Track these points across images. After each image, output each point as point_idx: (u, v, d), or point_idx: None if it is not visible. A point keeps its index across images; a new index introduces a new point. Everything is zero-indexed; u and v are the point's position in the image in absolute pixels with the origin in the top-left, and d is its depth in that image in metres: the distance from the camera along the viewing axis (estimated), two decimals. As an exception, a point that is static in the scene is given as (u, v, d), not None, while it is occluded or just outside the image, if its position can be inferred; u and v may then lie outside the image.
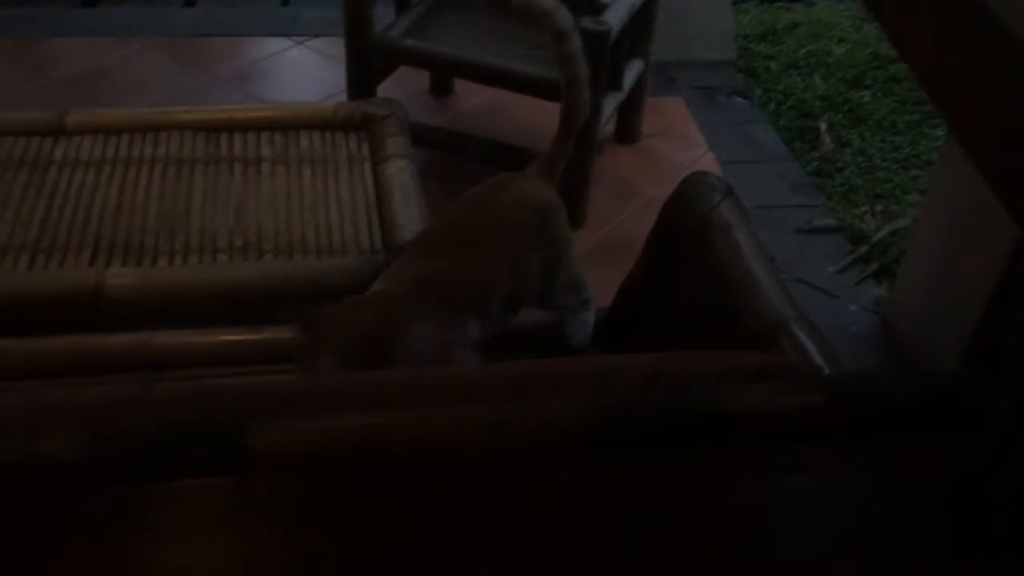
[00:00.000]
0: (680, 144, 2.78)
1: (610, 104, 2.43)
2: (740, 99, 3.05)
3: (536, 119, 2.45)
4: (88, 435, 0.58)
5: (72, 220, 1.65)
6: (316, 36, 3.16)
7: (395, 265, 1.39)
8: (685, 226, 1.34)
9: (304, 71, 3.06)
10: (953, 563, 0.56)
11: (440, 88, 2.90)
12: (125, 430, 0.59)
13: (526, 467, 0.63)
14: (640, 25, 2.52)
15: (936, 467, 0.61)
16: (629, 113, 2.70)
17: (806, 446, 0.63)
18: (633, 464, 0.62)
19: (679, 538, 0.59)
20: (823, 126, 2.93)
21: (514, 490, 0.62)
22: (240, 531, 0.58)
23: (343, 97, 2.45)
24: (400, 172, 1.82)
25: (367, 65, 2.40)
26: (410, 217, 1.69)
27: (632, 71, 2.54)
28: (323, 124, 1.93)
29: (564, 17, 1.46)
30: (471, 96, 2.85)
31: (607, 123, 2.49)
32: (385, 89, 2.45)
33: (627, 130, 2.74)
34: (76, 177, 1.74)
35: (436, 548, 0.58)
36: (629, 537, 0.59)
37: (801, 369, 0.87)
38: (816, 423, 0.64)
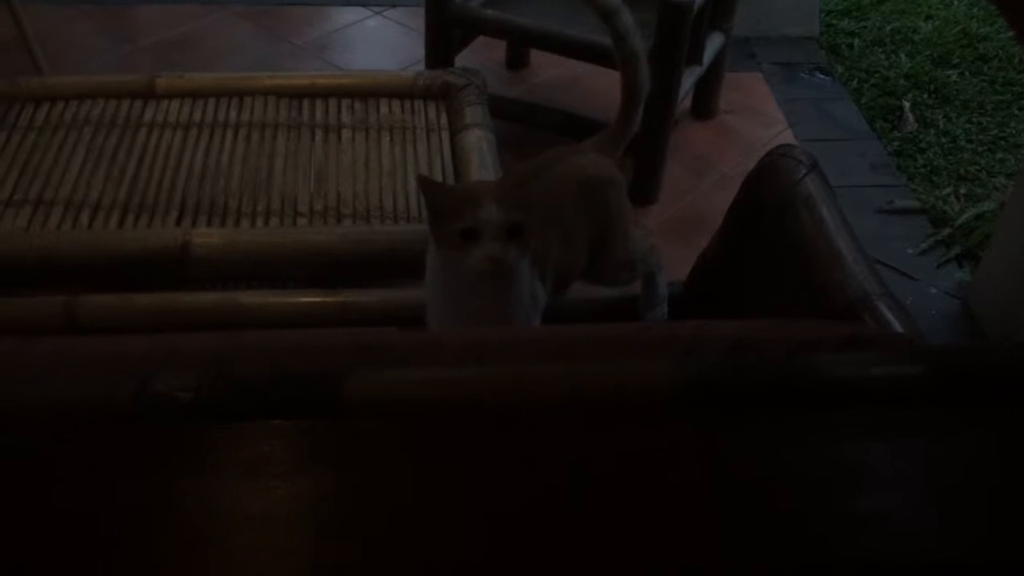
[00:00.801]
0: (758, 120, 2.74)
1: (689, 78, 2.40)
2: (822, 76, 2.99)
3: (612, 91, 2.41)
4: (198, 375, 0.60)
5: (160, 181, 1.69)
6: (393, 6, 3.18)
7: None
8: (768, 199, 1.32)
9: (381, 41, 3.09)
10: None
11: (516, 61, 2.89)
12: (233, 373, 0.61)
13: (614, 427, 0.64)
14: (722, -2, 2.48)
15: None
16: (707, 88, 2.66)
17: (903, 413, 0.62)
18: (722, 428, 0.62)
19: (766, 504, 0.59)
20: (907, 105, 2.86)
21: (601, 450, 0.63)
22: (332, 470, 0.59)
23: (421, 67, 2.47)
24: (478, 141, 1.82)
25: (446, 35, 2.41)
26: (487, 186, 1.70)
27: (712, 45, 2.50)
28: (403, 92, 1.94)
29: None
30: (546, 69, 2.84)
31: (685, 98, 2.46)
32: (461, 61, 2.46)
33: (704, 105, 2.71)
34: (164, 139, 1.79)
35: (519, 502, 0.59)
36: (716, 502, 0.59)
37: (892, 340, 0.86)
38: (914, 391, 0.63)
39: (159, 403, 0.58)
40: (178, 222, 1.62)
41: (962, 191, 2.53)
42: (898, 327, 1.07)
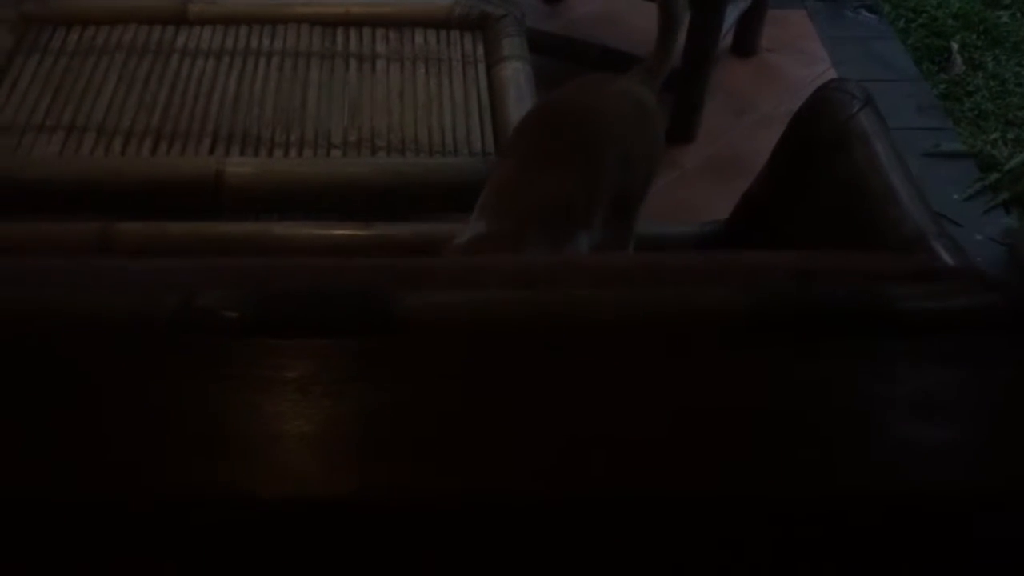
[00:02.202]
0: (801, 59, 2.66)
1: (732, 14, 2.32)
2: (868, 14, 2.89)
3: (650, 26, 2.33)
4: (245, 293, 0.58)
5: (193, 109, 1.67)
6: (428, -64, 3.10)
7: (492, 187, 1.24)
8: (821, 135, 1.28)
9: (415, -28, 3.01)
10: None
11: (553, -7, 2.82)
12: (281, 291, 0.59)
13: (671, 352, 0.61)
14: (769, -70, 2.39)
15: None
16: (749, 24, 2.58)
17: (979, 342, 0.60)
18: (791, 356, 0.59)
19: (836, 432, 0.57)
20: (955, 46, 2.76)
21: (660, 375, 0.60)
22: (380, 388, 0.58)
23: (455, -2, 2.40)
24: (515, 74, 1.78)
25: (482, -35, 2.34)
26: (524, 119, 1.66)
27: (757, -21, 2.42)
28: (439, 22, 1.90)
29: None
30: (584, 2, 2.77)
31: (726, 34, 2.39)
32: (498, -8, 2.40)
33: (746, 42, 2.63)
34: (196, 66, 1.76)
35: (570, 424, 0.57)
36: (782, 430, 0.57)
37: (964, 271, 0.82)
38: (990, 321, 0.60)
39: (204, 319, 0.57)
40: (211, 150, 1.59)
41: (1010, 136, 2.45)
42: (957, 267, 1.03)
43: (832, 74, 2.59)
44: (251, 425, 0.54)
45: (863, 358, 0.59)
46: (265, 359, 0.56)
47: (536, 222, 1.15)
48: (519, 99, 1.74)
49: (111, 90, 1.68)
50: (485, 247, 1.07)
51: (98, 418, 0.53)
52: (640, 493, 0.54)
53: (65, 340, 0.56)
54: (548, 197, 1.18)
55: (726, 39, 2.51)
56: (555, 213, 1.18)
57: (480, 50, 1.86)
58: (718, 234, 1.56)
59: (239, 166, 1.54)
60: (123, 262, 0.69)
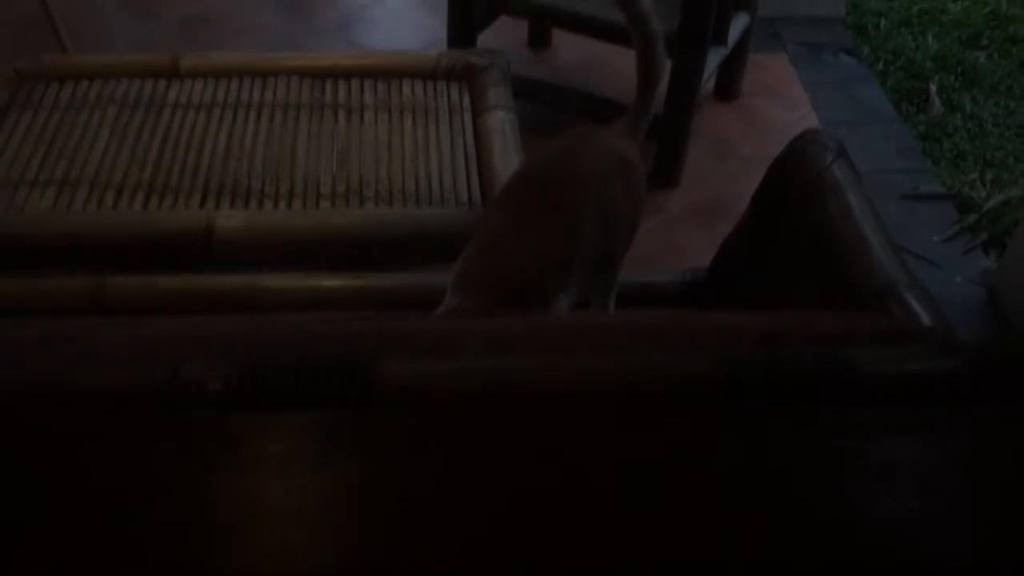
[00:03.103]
0: (782, 103, 2.71)
1: (713, 60, 2.37)
2: (847, 57, 2.95)
3: (633, 72, 2.41)
4: (229, 366, 0.60)
5: (184, 162, 1.70)
6: (416, -16, 3.17)
7: (469, 255, 1.25)
8: (795, 185, 1.31)
9: (403, 19, 3.07)
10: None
11: (538, 41, 2.87)
12: (264, 363, 0.62)
13: (645, 419, 0.64)
14: (748, -22, 2.45)
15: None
16: (731, 69, 2.64)
17: (937, 409, 0.62)
18: (755, 422, 0.61)
19: (797, 495, 0.59)
20: (933, 88, 2.82)
21: (631, 440, 0.63)
22: (359, 461, 0.60)
23: (443, 47, 2.45)
24: (501, 123, 1.81)
25: (469, 14, 2.40)
26: (509, 168, 1.69)
27: (737, 26, 2.47)
28: (426, 73, 1.93)
29: None
30: (569, 49, 2.82)
31: (708, 80, 2.44)
32: (484, 40, 2.45)
33: (728, 87, 2.68)
34: (188, 119, 1.79)
35: (548, 494, 0.59)
36: (746, 496, 0.59)
37: (925, 333, 0.85)
38: (948, 387, 0.63)
39: (189, 392, 0.59)
40: (202, 203, 1.62)
41: (989, 177, 2.50)
42: (926, 318, 1.06)
43: (813, 117, 2.64)
44: (234, 503, 0.56)
45: (828, 426, 0.61)
46: (248, 434, 0.58)
47: (509, 295, 1.15)
48: (505, 148, 1.77)
49: (103, 144, 1.71)
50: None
51: (83, 498, 0.55)
52: (622, 565, 0.56)
53: (52, 418, 0.58)
54: (522, 268, 1.19)
55: (708, 84, 2.56)
56: (529, 284, 1.18)
57: (466, 100, 1.90)
58: (700, 282, 1.59)
59: (229, 219, 1.57)
60: (111, 332, 0.71)
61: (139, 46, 2.71)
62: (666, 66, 1.49)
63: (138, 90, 1.85)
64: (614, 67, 2.69)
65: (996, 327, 2.04)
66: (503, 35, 2.67)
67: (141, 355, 0.66)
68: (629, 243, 1.39)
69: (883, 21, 3.12)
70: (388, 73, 1.94)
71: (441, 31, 2.49)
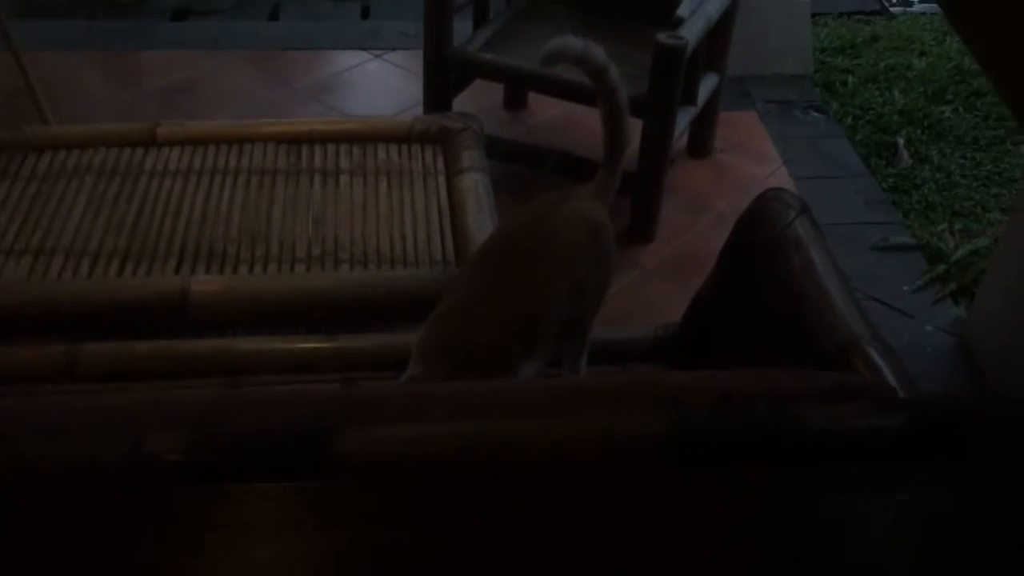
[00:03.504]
0: (753, 159, 2.77)
1: (684, 119, 2.43)
2: (816, 113, 3.02)
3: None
4: (188, 437, 0.61)
5: (160, 228, 1.72)
6: (394, 49, 3.23)
7: (433, 323, 1.26)
8: (759, 243, 1.34)
9: (382, 84, 3.13)
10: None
11: (514, 102, 2.93)
12: (222, 435, 0.63)
13: (600, 480, 0.65)
14: (716, 40, 2.52)
15: (1015, 489, 0.61)
16: (702, 127, 2.69)
17: (883, 467, 0.63)
18: (705, 481, 0.63)
19: (749, 550, 0.60)
20: (901, 141, 2.88)
21: (588, 501, 0.64)
22: (322, 530, 0.60)
23: (420, 109, 2.50)
24: (474, 184, 1.84)
25: (444, 78, 2.45)
26: (483, 229, 1.72)
27: (707, 85, 2.53)
28: (400, 137, 1.97)
29: (597, 54, 1.44)
30: (544, 109, 2.88)
31: (680, 138, 2.49)
32: (460, 102, 2.50)
33: (700, 144, 2.74)
34: (164, 186, 1.81)
35: (509, 550, 0.60)
36: (697, 553, 0.60)
37: (877, 390, 0.87)
38: (894, 444, 0.64)
39: (149, 465, 0.60)
40: (177, 269, 1.63)
41: (957, 227, 2.54)
42: (887, 371, 1.08)
43: (783, 172, 2.69)
44: (192, 571, 0.56)
45: (774, 484, 0.63)
46: (208, 505, 0.59)
47: (473, 363, 1.16)
48: (479, 209, 1.80)
49: (80, 213, 1.73)
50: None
51: (39, 569, 0.56)
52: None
53: (16, 491, 0.59)
54: (488, 336, 1.20)
55: (681, 141, 2.62)
56: (494, 352, 1.19)
57: (440, 162, 1.93)
58: (673, 337, 1.61)
59: (204, 283, 1.58)
60: (79, 401, 0.72)
61: (120, 115, 2.74)
62: (632, 133, 1.53)
63: (116, 158, 1.87)
64: (589, 127, 2.72)
65: (967, 375, 2.06)
66: (479, 97, 2.73)
67: (104, 427, 0.67)
68: (599, 306, 1.40)
69: (850, 78, 3.20)
70: (363, 137, 1.97)
71: (419, 94, 2.53)
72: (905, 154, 2.84)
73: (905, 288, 2.32)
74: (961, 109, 3.06)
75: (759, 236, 1.36)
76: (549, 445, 0.65)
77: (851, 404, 0.72)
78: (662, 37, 2.17)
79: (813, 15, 3.22)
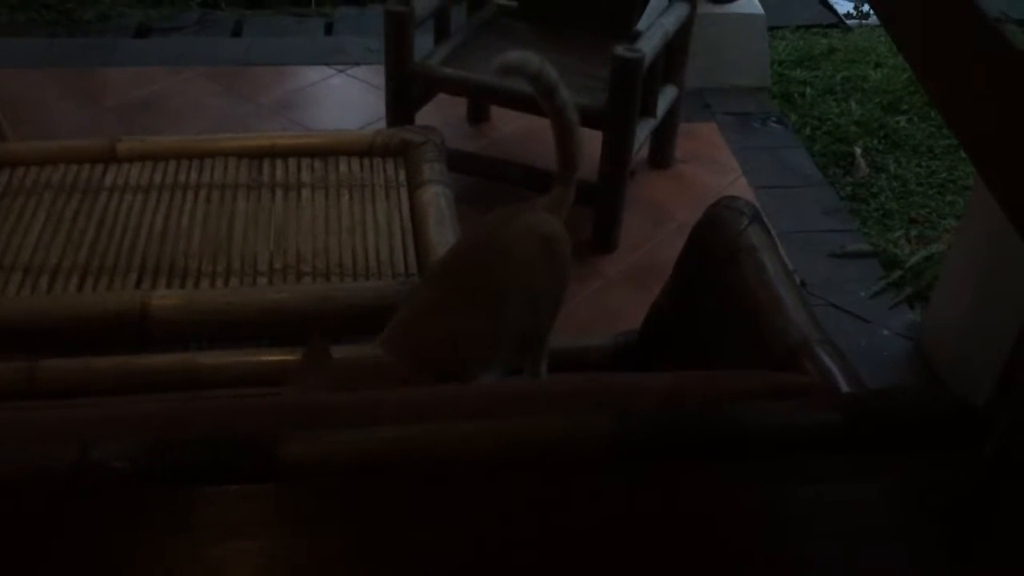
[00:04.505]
0: (713, 169, 2.81)
1: (643, 130, 2.46)
2: (775, 124, 3.07)
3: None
4: (135, 445, 0.62)
5: (120, 244, 1.71)
6: (357, 65, 3.24)
7: (397, 321, 1.30)
8: (713, 250, 1.36)
9: (345, 99, 3.14)
10: (955, 569, 0.58)
11: (476, 115, 2.95)
12: (169, 441, 0.63)
13: (547, 478, 0.66)
14: (674, 52, 2.55)
15: (943, 479, 0.63)
16: (662, 139, 2.73)
17: (821, 460, 0.65)
18: (652, 475, 0.64)
19: (691, 544, 0.61)
20: (858, 151, 2.94)
21: (535, 500, 0.65)
22: (272, 533, 0.61)
23: (383, 124, 2.51)
24: (435, 197, 1.86)
25: (406, 92, 2.46)
26: (444, 241, 1.73)
27: (666, 98, 2.57)
28: (362, 150, 1.98)
29: (549, 73, 1.48)
30: (506, 123, 2.90)
31: (640, 149, 2.52)
32: (423, 116, 2.51)
33: (660, 155, 2.77)
34: (124, 202, 1.81)
35: (459, 550, 0.61)
36: (642, 549, 0.62)
37: (818, 389, 0.89)
38: (831, 439, 0.66)
39: (97, 472, 0.60)
40: (137, 284, 1.63)
41: (913, 233, 2.60)
42: (837, 372, 1.10)
43: (743, 182, 2.73)
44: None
45: (716, 479, 0.65)
46: (155, 509, 0.60)
47: (429, 370, 1.18)
48: (440, 221, 1.81)
49: (39, 229, 1.72)
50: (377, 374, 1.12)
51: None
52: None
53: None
54: (444, 346, 1.23)
55: (641, 153, 2.65)
56: (450, 362, 1.22)
57: (402, 175, 1.94)
58: (632, 344, 1.63)
59: (164, 298, 1.58)
60: (28, 412, 0.72)
61: (82, 132, 2.73)
62: (587, 145, 1.56)
63: (75, 175, 1.87)
64: (551, 140, 2.75)
65: (922, 378, 2.10)
66: (443, 111, 2.75)
67: (53, 438, 0.67)
68: (554, 317, 1.42)
69: (808, 89, 3.26)
70: (325, 151, 1.98)
71: (383, 109, 2.55)
72: (862, 163, 2.89)
73: (862, 294, 2.37)
74: (916, 119, 3.12)
75: (713, 244, 1.39)
76: (495, 445, 0.67)
77: (789, 401, 0.74)
78: (619, 50, 2.20)
79: (771, 28, 3.27)
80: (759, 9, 3.13)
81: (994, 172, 0.68)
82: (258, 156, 1.95)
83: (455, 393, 0.85)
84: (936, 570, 0.59)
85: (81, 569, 0.57)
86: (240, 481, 0.62)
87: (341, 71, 3.23)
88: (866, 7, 3.73)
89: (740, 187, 2.70)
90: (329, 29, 3.57)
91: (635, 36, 2.30)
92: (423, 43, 2.48)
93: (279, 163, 1.95)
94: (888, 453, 0.66)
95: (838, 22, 3.74)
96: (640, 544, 0.62)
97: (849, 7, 3.80)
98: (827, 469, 0.65)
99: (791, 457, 0.66)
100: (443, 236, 1.76)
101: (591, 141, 2.32)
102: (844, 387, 1.07)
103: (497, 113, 2.93)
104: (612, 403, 0.76)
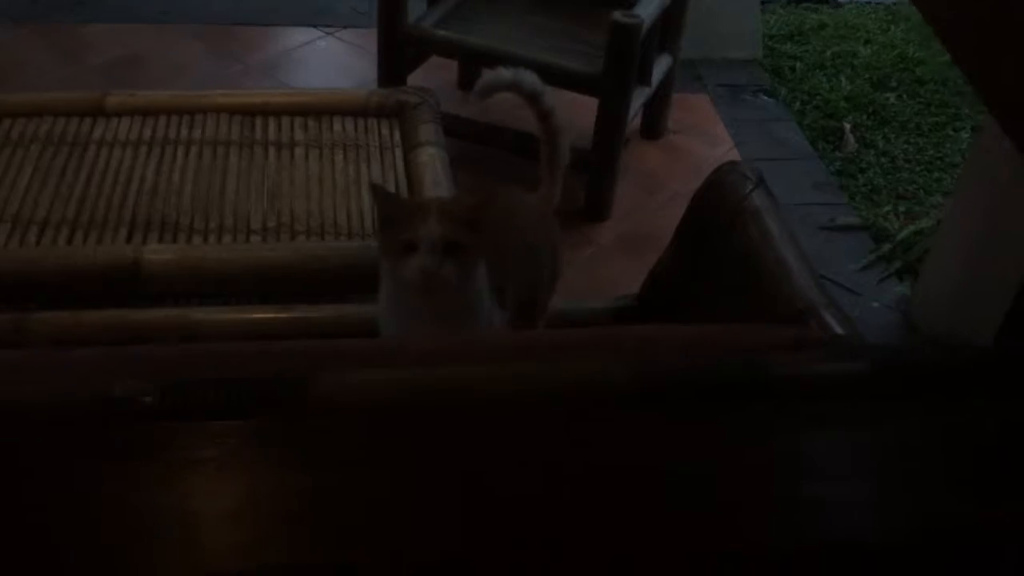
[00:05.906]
0: (705, 140, 2.80)
1: (638, 99, 2.44)
2: (766, 98, 3.07)
3: (563, 111, 2.47)
4: (160, 379, 0.60)
5: (110, 198, 1.68)
6: (345, 27, 3.20)
7: None
8: (717, 214, 1.36)
9: (332, 61, 3.09)
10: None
11: (468, 80, 2.91)
12: (195, 378, 0.62)
13: (571, 423, 0.65)
14: (670, 21, 2.54)
15: (967, 423, 0.63)
16: (656, 109, 2.71)
17: (843, 406, 0.65)
18: (674, 424, 0.64)
19: (715, 488, 0.61)
20: (847, 126, 2.94)
21: (556, 443, 0.64)
22: (295, 469, 0.60)
23: (372, 87, 2.47)
24: (431, 159, 1.84)
25: (399, 55, 2.43)
26: (441, 202, 1.72)
27: (660, 67, 2.55)
28: (356, 110, 1.95)
29: (529, 80, 1.50)
30: (498, 89, 2.86)
31: (634, 118, 2.51)
32: (413, 80, 2.48)
33: (653, 126, 2.76)
34: (114, 157, 1.77)
35: (478, 491, 0.61)
36: (666, 493, 0.62)
37: (836, 340, 0.89)
38: (853, 386, 0.66)
39: (124, 405, 0.59)
40: (128, 239, 1.60)
41: (901, 209, 2.61)
42: (843, 333, 1.10)
43: (735, 154, 2.73)
44: (168, 504, 0.56)
45: (739, 424, 0.64)
46: (182, 441, 0.58)
47: None
48: (435, 183, 1.79)
49: (26, 182, 1.68)
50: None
51: (22, 504, 0.55)
52: (551, 551, 0.57)
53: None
54: None
55: (635, 122, 2.63)
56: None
57: (397, 136, 1.92)
58: (630, 308, 1.63)
59: (157, 253, 1.56)
60: (46, 354, 0.70)
61: (64, 88, 2.66)
62: (568, 155, 1.59)
63: (63, 128, 1.83)
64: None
65: (912, 350, 2.12)
66: (434, 75, 2.71)
67: (74, 372, 0.66)
68: (551, 291, 1.45)
69: (798, 64, 3.25)
70: (319, 110, 1.95)
71: (371, 73, 2.51)
72: (851, 139, 2.90)
73: (852, 267, 2.38)
74: (905, 96, 3.13)
75: (717, 208, 1.38)
76: (518, 388, 0.66)
77: (813, 351, 0.74)
78: (617, 15, 2.18)
79: (763, 2, 3.26)
80: (752, -19, 3.12)
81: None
82: (251, 113, 1.92)
83: (473, 341, 0.84)
84: (960, 508, 0.59)
85: (105, 498, 0.56)
86: (267, 417, 0.61)
87: (329, 33, 3.18)
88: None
89: (731, 158, 2.69)
90: (317, -10, 3.51)
91: (632, 2, 2.28)
92: (416, 5, 2.45)
93: (272, 121, 1.92)
94: (913, 399, 0.66)
95: (828, -2, 3.73)
96: (665, 487, 0.62)
97: (839, -17, 3.79)
98: (851, 415, 0.65)
99: (820, 404, 0.66)
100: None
101: (585, 109, 2.31)
102: (852, 348, 1.07)
103: (488, 79, 2.90)
104: (632, 351, 0.75)
